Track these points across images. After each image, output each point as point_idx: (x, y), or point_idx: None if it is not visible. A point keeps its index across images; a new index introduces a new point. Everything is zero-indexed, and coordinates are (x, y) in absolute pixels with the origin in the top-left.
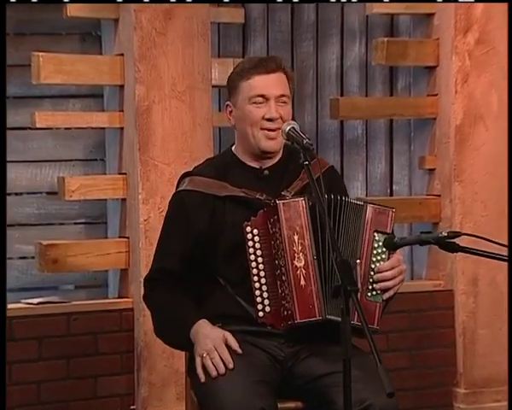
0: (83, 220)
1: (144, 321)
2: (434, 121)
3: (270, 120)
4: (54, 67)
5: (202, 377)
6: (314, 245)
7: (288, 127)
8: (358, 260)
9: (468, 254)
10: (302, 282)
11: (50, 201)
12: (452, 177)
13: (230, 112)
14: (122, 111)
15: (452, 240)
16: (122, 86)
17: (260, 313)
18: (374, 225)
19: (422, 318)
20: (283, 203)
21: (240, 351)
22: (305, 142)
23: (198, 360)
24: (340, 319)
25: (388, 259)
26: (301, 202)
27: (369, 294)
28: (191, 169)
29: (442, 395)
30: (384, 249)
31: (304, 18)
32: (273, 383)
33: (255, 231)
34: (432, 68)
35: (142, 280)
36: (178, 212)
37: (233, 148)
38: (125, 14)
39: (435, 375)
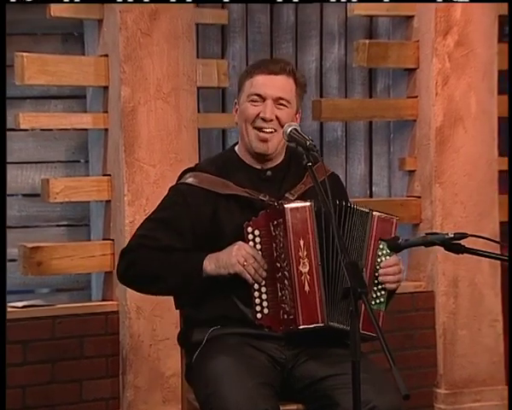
0: (65, 223)
1: (130, 324)
2: (414, 123)
3: (263, 119)
4: (37, 68)
5: (259, 279)
6: (319, 251)
7: (290, 128)
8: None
9: (450, 255)
10: (306, 287)
11: (32, 203)
12: (433, 178)
13: (236, 110)
14: (106, 112)
15: (458, 241)
16: (106, 87)
17: (258, 315)
18: (378, 233)
19: (404, 319)
20: (291, 208)
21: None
22: (308, 143)
23: (239, 267)
24: (341, 326)
25: None
26: (308, 207)
27: (373, 302)
28: (193, 165)
29: (423, 395)
30: (388, 258)
31: (283, 19)
32: (275, 386)
33: (256, 232)
34: (411, 70)
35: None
36: (177, 201)
37: (236, 147)
38: (109, 14)
39: (416, 376)
